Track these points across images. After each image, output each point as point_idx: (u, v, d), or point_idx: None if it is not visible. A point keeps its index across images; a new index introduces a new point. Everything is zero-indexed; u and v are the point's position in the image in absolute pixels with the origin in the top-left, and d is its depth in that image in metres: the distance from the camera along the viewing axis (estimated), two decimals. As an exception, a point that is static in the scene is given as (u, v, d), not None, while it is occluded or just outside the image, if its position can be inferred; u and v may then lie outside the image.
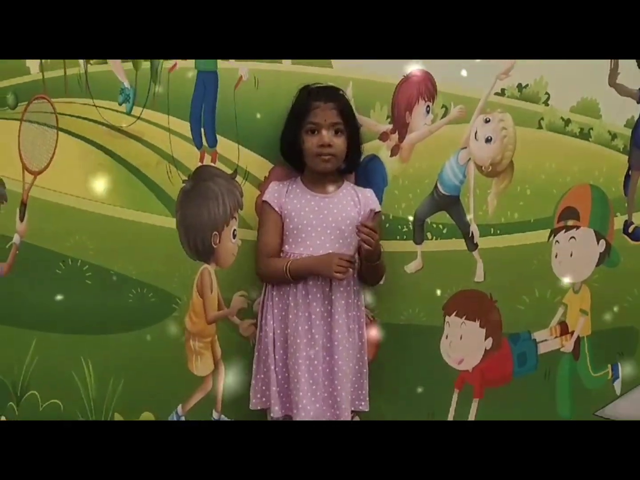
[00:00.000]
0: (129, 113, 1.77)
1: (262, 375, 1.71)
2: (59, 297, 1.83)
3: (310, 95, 1.68)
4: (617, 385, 1.85)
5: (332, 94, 1.69)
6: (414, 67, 1.77)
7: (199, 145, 1.80)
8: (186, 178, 1.80)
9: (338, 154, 1.68)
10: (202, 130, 1.79)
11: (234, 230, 1.83)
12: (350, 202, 1.71)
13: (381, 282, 1.76)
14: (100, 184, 1.80)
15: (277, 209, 1.72)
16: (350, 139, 1.69)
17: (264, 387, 1.70)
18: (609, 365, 1.85)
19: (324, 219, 1.68)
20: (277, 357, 1.68)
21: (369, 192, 1.75)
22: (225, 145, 1.80)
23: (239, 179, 1.81)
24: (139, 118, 1.77)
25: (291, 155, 1.74)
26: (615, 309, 1.82)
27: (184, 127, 1.79)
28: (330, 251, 1.65)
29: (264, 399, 1.69)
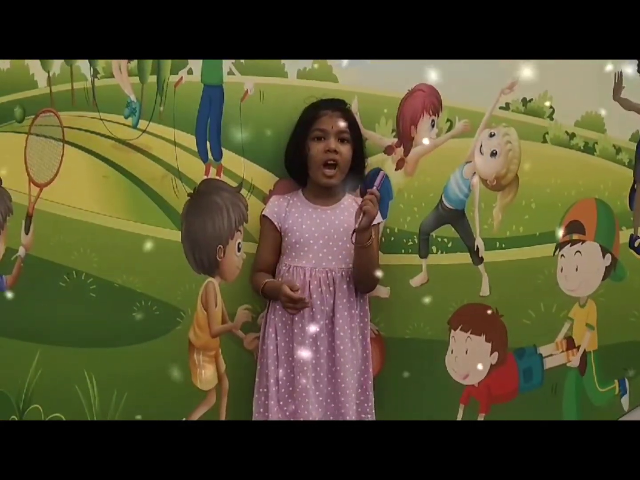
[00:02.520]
0: (135, 126, 1.71)
1: (265, 389, 1.63)
2: (63, 310, 1.74)
3: (318, 105, 1.65)
4: (625, 401, 1.75)
5: (339, 104, 1.66)
6: (418, 78, 1.71)
7: (204, 159, 1.74)
8: (191, 191, 1.72)
9: (342, 163, 1.63)
10: (208, 143, 1.73)
11: (239, 243, 1.76)
12: (352, 213, 1.63)
13: (387, 297, 1.66)
14: (105, 197, 1.74)
15: (276, 223, 1.67)
16: (355, 151, 1.65)
17: (266, 402, 1.62)
18: (616, 381, 1.77)
19: (325, 232, 1.63)
20: (280, 370, 1.61)
21: None
22: (231, 159, 1.74)
23: (244, 192, 1.75)
24: (144, 131, 1.71)
25: (295, 166, 1.69)
26: (622, 323, 1.73)
27: (190, 140, 1.73)
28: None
29: (266, 413, 1.60)
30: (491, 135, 1.73)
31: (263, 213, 1.69)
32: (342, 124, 1.62)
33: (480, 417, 1.76)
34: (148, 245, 1.74)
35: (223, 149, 1.73)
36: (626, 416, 1.75)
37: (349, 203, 1.68)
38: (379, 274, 1.63)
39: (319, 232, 1.62)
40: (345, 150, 1.62)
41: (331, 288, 1.60)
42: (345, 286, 1.61)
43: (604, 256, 1.75)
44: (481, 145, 1.73)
